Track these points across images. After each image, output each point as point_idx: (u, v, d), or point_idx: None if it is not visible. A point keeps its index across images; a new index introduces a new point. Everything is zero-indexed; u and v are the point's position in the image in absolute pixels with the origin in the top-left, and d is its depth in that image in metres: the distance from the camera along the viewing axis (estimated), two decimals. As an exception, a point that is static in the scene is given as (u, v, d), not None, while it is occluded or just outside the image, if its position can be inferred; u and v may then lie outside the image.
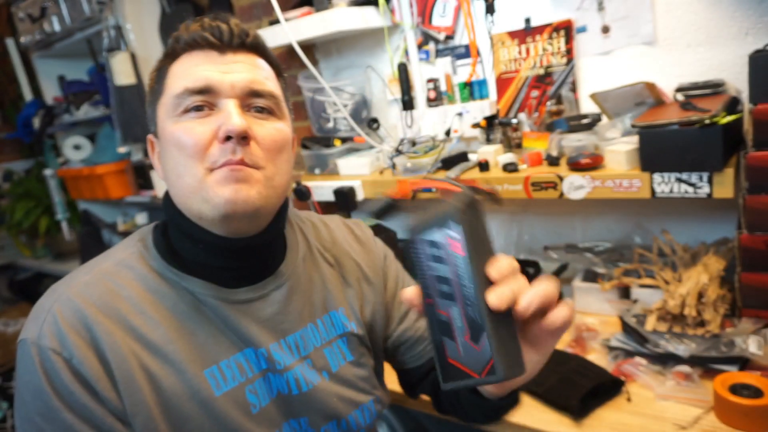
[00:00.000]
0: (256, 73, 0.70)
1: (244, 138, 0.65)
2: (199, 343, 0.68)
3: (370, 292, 0.86)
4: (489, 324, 0.49)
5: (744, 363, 1.00)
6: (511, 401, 0.77)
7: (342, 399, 0.77)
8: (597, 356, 1.15)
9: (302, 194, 1.58)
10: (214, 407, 0.67)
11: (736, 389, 0.91)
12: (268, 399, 0.72)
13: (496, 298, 0.49)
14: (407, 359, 0.89)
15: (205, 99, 0.67)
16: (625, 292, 1.29)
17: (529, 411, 1.03)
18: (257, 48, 0.72)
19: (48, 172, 2.91)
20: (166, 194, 0.74)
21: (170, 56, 0.71)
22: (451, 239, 0.50)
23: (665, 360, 1.07)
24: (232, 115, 0.65)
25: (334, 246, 0.86)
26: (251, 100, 0.69)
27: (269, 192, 0.69)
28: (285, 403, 0.73)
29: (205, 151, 0.66)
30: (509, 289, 0.50)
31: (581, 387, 1.00)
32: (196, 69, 0.67)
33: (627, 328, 1.14)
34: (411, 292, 0.54)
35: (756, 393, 0.89)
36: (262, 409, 0.71)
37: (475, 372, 0.50)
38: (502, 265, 0.51)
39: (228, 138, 0.65)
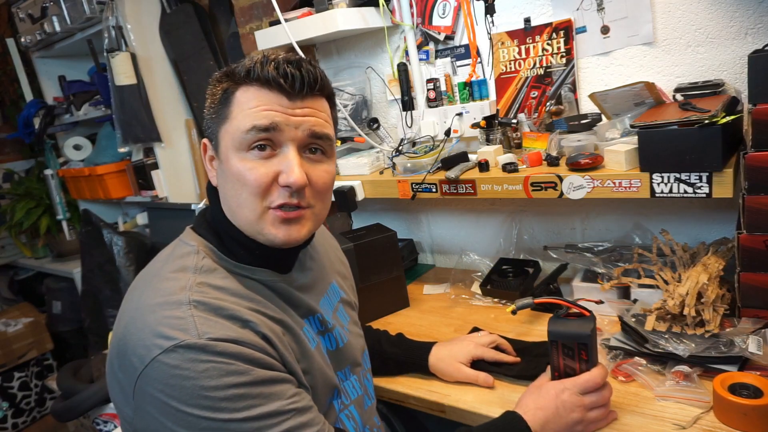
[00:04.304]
0: (317, 116, 0.78)
1: (301, 188, 0.76)
2: (284, 315, 0.81)
3: (345, 270, 1.10)
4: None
5: (743, 363, 1.00)
6: None
7: (356, 348, 0.98)
8: (596, 356, 1.15)
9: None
10: (315, 356, 0.83)
11: (736, 389, 0.91)
12: (327, 354, 0.89)
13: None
14: None
15: (269, 139, 0.75)
16: (624, 292, 1.29)
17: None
18: (323, 90, 0.79)
19: (48, 172, 2.91)
20: (217, 209, 0.82)
21: (237, 81, 0.76)
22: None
23: (665, 360, 1.07)
24: (293, 167, 0.74)
25: (316, 238, 1.02)
26: (309, 141, 0.78)
27: (316, 225, 0.83)
28: (334, 356, 0.91)
29: (266, 191, 0.75)
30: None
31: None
32: (264, 110, 0.74)
33: (626, 328, 1.14)
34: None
35: (755, 393, 0.89)
36: (330, 361, 0.89)
37: None
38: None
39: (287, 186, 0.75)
